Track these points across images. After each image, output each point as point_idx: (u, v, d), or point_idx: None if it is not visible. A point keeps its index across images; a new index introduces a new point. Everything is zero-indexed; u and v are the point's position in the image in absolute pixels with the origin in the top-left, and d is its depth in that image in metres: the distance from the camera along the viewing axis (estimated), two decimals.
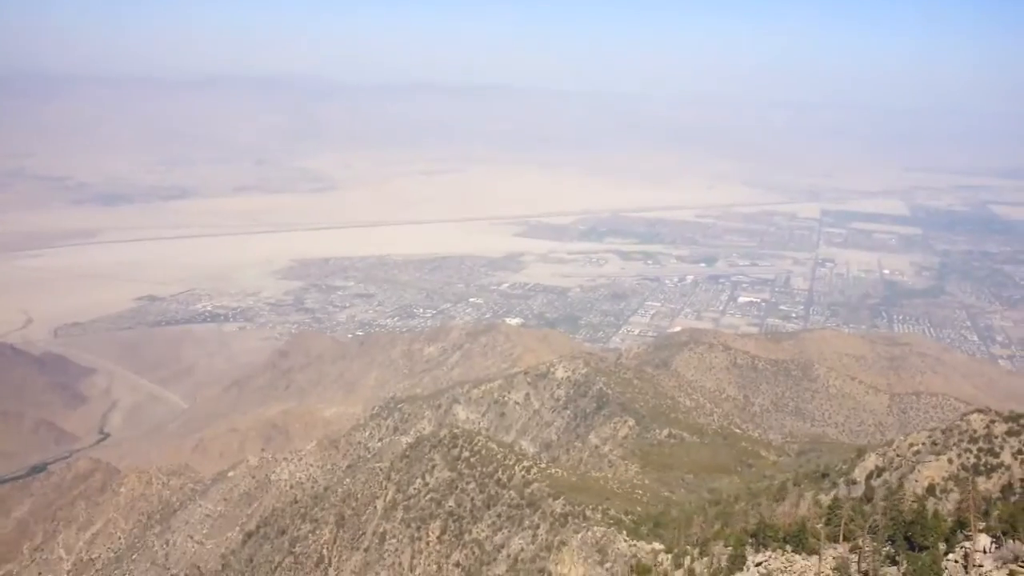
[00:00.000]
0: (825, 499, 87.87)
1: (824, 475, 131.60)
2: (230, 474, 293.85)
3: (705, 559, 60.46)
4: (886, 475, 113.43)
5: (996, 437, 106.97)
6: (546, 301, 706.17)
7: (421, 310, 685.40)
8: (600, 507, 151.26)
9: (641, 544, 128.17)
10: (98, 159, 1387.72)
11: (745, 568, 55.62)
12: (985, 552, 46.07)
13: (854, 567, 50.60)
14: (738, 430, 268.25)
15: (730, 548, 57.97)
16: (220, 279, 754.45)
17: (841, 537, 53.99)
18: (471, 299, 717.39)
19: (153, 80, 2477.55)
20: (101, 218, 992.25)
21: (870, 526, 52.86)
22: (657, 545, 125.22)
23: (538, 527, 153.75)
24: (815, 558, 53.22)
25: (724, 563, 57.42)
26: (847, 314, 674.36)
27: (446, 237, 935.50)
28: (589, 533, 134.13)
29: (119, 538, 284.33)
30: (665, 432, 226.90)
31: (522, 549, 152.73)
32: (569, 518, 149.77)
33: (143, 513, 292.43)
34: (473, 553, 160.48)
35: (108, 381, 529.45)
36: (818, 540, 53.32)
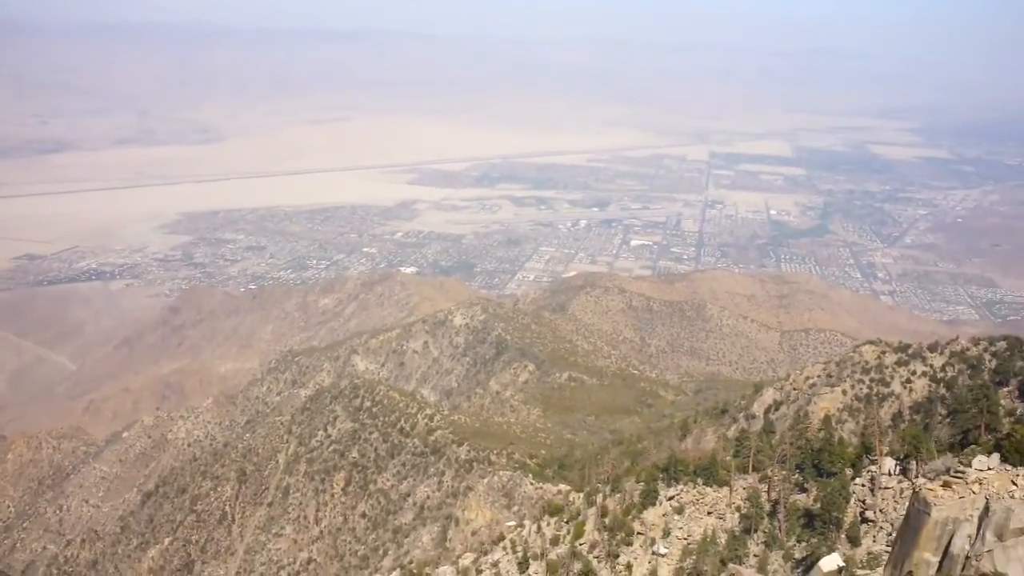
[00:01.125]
0: (727, 433, 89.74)
1: (724, 411, 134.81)
2: (124, 435, 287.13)
3: (617, 495, 61.29)
4: (783, 408, 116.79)
5: (887, 367, 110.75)
6: (440, 249, 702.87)
7: (314, 261, 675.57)
8: (504, 451, 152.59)
9: (547, 486, 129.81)
10: None
11: (658, 502, 56.52)
12: (890, 474, 47.67)
13: (764, 496, 51.80)
14: (636, 371, 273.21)
15: (642, 484, 58.81)
16: (104, 235, 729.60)
17: (750, 468, 55.13)
18: (365, 249, 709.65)
19: (24, 27, 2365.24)
20: None
21: (778, 456, 54.08)
22: (563, 487, 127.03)
23: (443, 474, 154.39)
24: (726, 489, 54.31)
25: (637, 498, 58.27)
26: (736, 254, 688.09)
27: (337, 186, 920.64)
28: (495, 478, 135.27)
29: (8, 507, 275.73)
30: (565, 375, 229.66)
31: (428, 496, 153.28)
32: (474, 464, 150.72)
33: (33, 479, 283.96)
34: (379, 503, 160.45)
35: None
36: (728, 472, 54.37)
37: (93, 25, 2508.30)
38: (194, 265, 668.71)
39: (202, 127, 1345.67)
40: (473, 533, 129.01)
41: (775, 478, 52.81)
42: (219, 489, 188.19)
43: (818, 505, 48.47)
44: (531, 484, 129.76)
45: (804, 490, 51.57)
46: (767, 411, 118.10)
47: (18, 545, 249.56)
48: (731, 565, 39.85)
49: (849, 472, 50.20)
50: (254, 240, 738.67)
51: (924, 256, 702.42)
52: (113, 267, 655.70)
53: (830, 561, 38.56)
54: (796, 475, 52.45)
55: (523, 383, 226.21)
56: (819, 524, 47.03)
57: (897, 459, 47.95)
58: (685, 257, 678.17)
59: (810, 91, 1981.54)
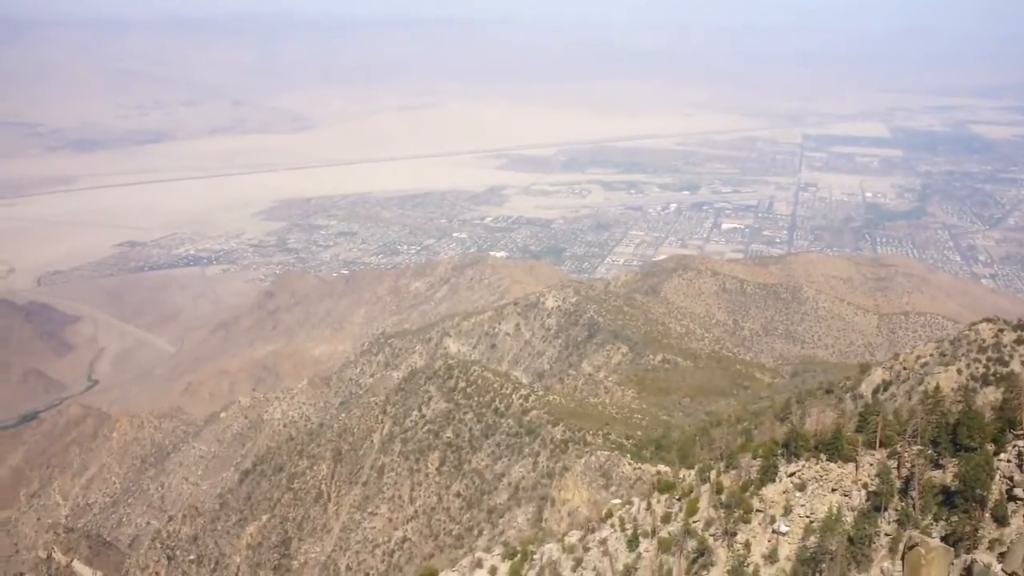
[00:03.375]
0: (845, 409, 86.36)
1: (828, 391, 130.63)
2: (222, 415, 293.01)
3: (732, 472, 58.97)
4: (893, 388, 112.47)
5: (1005, 346, 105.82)
6: (530, 234, 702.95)
7: (405, 246, 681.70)
8: (600, 432, 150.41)
9: (646, 467, 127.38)
10: (69, 104, 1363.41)
11: (777, 479, 54.06)
12: None
13: (894, 472, 49.10)
14: (730, 354, 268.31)
15: (760, 459, 56.40)
16: (201, 222, 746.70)
17: (877, 443, 52.33)
18: (455, 234, 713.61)
19: (119, 22, 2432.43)
20: (76, 164, 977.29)
21: (911, 430, 51.19)
22: (663, 467, 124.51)
23: (538, 454, 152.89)
24: (851, 465, 51.65)
25: (755, 475, 55.88)
26: (831, 238, 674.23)
27: (426, 173, 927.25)
28: (592, 458, 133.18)
29: (114, 482, 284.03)
30: (659, 358, 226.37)
31: (523, 477, 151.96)
32: (570, 444, 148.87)
33: (136, 457, 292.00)
34: (473, 483, 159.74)
35: (94, 328, 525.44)
36: (854, 447, 51.70)
37: (186, 19, 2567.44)
38: (288, 250, 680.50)
39: (293, 116, 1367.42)
40: (570, 513, 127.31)
41: (906, 453, 49.89)
42: (315, 468, 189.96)
43: (957, 482, 45.57)
44: (629, 464, 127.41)
45: (939, 466, 48.54)
46: (876, 391, 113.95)
47: (124, 519, 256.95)
48: (915, 534, 37.28)
49: (991, 448, 47.13)
50: (346, 226, 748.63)
51: None
52: (210, 253, 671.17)
53: None
54: (930, 450, 49.53)
55: (616, 365, 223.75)
56: (960, 502, 44.16)
57: None
58: (777, 240, 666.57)
59: (907, 71, 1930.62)
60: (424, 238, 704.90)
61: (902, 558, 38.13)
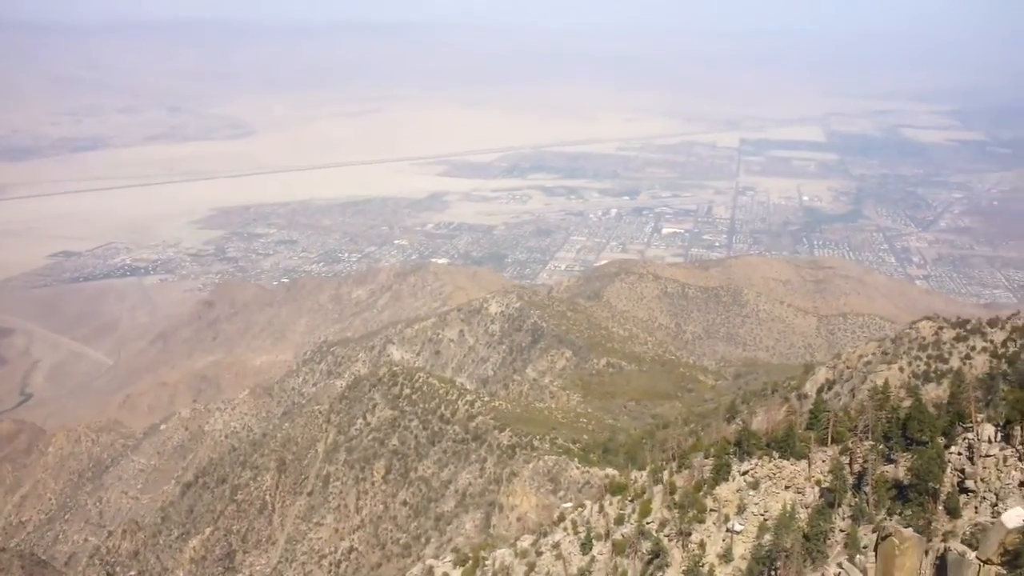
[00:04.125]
0: (776, 415, 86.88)
1: (772, 391, 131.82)
2: (162, 427, 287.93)
3: (685, 472, 58.80)
4: (837, 387, 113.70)
5: (945, 343, 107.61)
6: (472, 240, 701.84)
7: (346, 254, 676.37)
8: (547, 437, 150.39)
9: (594, 470, 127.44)
10: (0, 111, 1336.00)
11: (731, 478, 53.97)
12: (991, 441, 44.85)
13: (847, 468, 49.22)
14: (673, 357, 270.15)
15: (712, 459, 56.27)
16: (138, 231, 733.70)
17: (829, 440, 52.47)
18: (396, 241, 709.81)
19: (55, 25, 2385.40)
20: (7, 173, 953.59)
21: (862, 426, 51.39)
22: (610, 470, 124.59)
23: (485, 460, 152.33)
24: (804, 462, 51.71)
25: (708, 474, 55.73)
26: (769, 241, 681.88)
27: (368, 179, 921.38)
28: (540, 463, 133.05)
29: (49, 499, 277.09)
30: (603, 362, 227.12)
31: (470, 483, 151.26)
32: (517, 449, 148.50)
33: (73, 472, 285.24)
34: (420, 490, 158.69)
35: (27, 341, 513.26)
36: (807, 444, 51.74)
37: (122, 22, 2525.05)
38: (227, 259, 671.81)
39: (232, 122, 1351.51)
40: (519, 519, 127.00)
41: (858, 449, 50.08)
42: (259, 479, 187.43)
43: (910, 476, 45.77)
44: (577, 468, 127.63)
45: (891, 461, 48.79)
46: (820, 390, 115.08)
47: (60, 537, 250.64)
48: (891, 524, 37.13)
49: (942, 441, 47.42)
50: (286, 234, 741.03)
51: (960, 240, 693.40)
52: (147, 263, 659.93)
53: (1015, 516, 35.63)
54: (881, 446, 49.75)
55: (561, 370, 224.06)
56: (914, 495, 44.35)
57: (997, 425, 45.24)
58: (717, 244, 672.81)
59: (842, 75, 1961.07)
60: (365, 245, 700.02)
61: (875, 549, 38.02)
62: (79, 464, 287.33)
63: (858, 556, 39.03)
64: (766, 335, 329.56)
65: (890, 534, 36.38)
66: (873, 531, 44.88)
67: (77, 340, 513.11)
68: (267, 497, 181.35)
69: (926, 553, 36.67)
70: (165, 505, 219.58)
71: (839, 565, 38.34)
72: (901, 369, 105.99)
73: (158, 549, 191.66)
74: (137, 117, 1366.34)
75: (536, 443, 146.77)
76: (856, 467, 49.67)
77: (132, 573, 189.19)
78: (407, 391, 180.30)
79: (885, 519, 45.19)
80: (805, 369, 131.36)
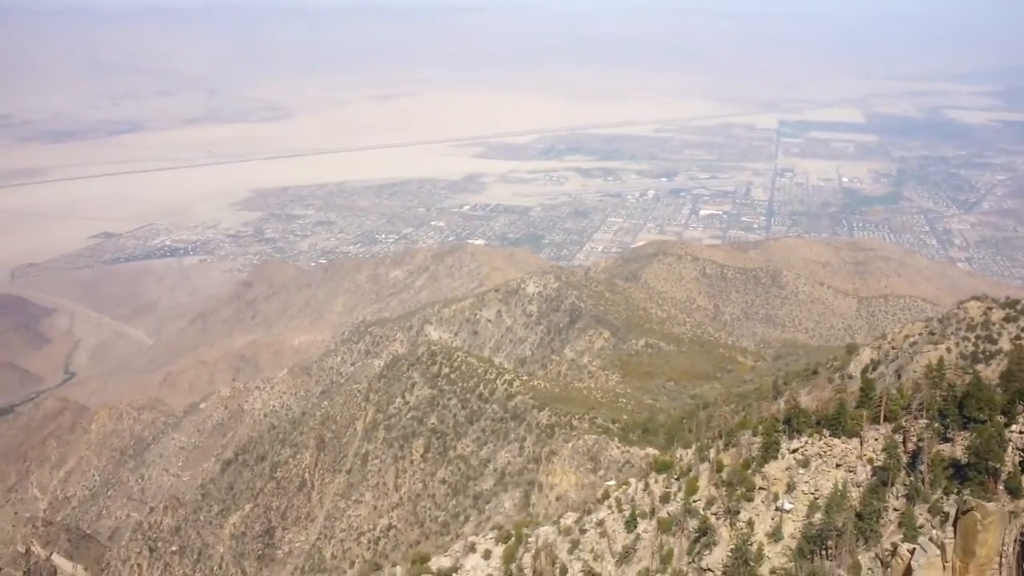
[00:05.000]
0: (825, 393, 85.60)
1: (815, 372, 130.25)
2: (202, 406, 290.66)
3: (732, 450, 58.02)
4: (882, 368, 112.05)
5: (994, 324, 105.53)
6: (508, 221, 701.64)
7: (383, 235, 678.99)
8: (586, 416, 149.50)
9: (634, 450, 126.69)
10: (40, 95, 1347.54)
11: (780, 456, 53.14)
12: None
13: (901, 448, 48.28)
14: (711, 338, 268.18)
15: (761, 436, 55.44)
16: (177, 213, 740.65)
17: (881, 418, 51.48)
18: (433, 222, 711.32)
19: (91, 11, 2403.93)
20: (49, 155, 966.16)
21: (917, 404, 50.34)
22: (651, 450, 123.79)
23: (524, 439, 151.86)
24: (856, 441, 50.79)
25: (756, 452, 54.91)
26: (808, 223, 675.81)
27: (404, 161, 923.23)
28: (580, 442, 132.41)
29: (93, 475, 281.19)
30: (641, 342, 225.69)
31: (509, 462, 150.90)
32: (556, 429, 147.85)
33: (115, 449, 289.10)
34: (459, 469, 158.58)
35: (70, 320, 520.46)
36: (859, 422, 50.78)
37: (159, 7, 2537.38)
38: (265, 240, 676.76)
39: (269, 105, 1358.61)
40: (558, 498, 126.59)
41: (913, 427, 49.06)
42: (298, 456, 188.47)
43: (968, 455, 44.74)
44: (617, 448, 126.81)
45: (948, 439, 47.72)
46: (864, 371, 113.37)
47: (104, 512, 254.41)
48: (970, 498, 36.13)
49: (1001, 419, 46.31)
50: (323, 215, 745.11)
51: (1003, 222, 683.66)
52: (187, 244, 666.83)
53: None
54: (937, 424, 48.68)
55: (599, 350, 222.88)
56: (973, 474, 43.32)
57: None
58: (755, 226, 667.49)
59: (883, 57, 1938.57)
60: (402, 227, 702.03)
61: (954, 524, 37.09)
62: (121, 441, 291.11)
63: (935, 531, 38.09)
64: (806, 317, 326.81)
65: (972, 508, 35.36)
66: (929, 510, 44.03)
67: (118, 320, 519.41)
68: (306, 475, 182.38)
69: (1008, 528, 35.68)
70: (205, 482, 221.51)
71: (917, 541, 37.38)
72: (948, 350, 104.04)
73: (199, 525, 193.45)
74: (175, 100, 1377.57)
75: (575, 422, 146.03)
76: (910, 446, 48.67)
77: (174, 548, 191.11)
78: (446, 370, 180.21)
79: (942, 498, 44.25)
80: (848, 349, 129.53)
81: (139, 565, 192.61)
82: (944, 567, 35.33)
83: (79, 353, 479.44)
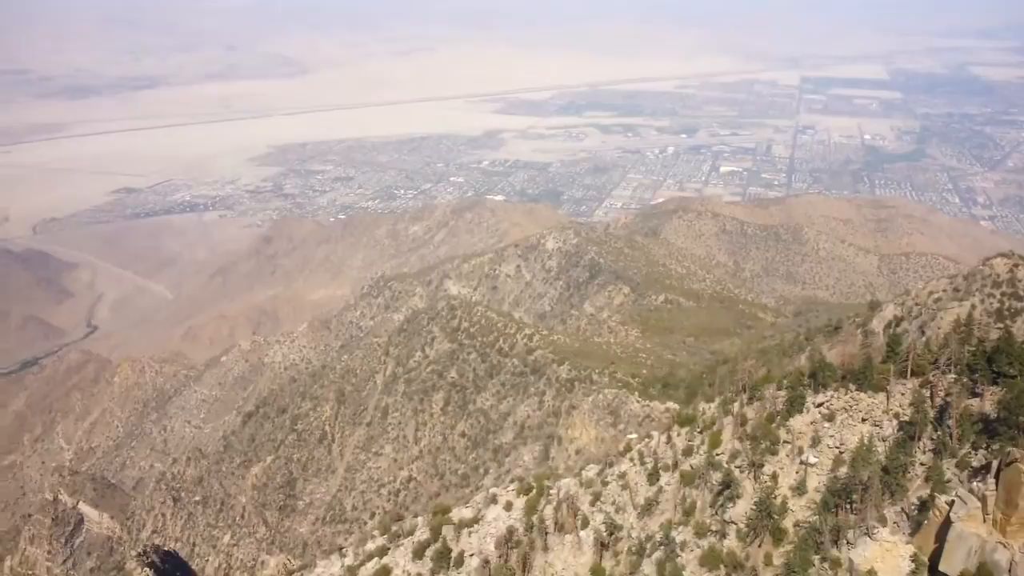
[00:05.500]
0: (851, 347, 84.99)
1: (837, 328, 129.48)
2: (223, 359, 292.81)
3: (757, 404, 57.80)
4: (905, 324, 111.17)
5: (1020, 281, 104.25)
6: (527, 177, 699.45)
7: (402, 191, 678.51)
8: (606, 371, 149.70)
9: (654, 404, 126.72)
10: (59, 51, 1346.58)
11: (805, 410, 52.90)
12: None
13: (928, 402, 47.93)
14: (731, 294, 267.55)
15: (785, 390, 55.20)
16: (197, 168, 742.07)
17: (909, 372, 51.08)
18: (452, 178, 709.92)
19: None
20: (69, 111, 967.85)
21: (946, 358, 49.92)
22: (671, 404, 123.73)
23: (544, 393, 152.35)
24: (882, 395, 50.45)
25: (781, 406, 54.71)
26: (829, 180, 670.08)
27: (422, 117, 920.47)
28: (600, 396, 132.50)
29: (117, 426, 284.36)
30: (661, 298, 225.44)
31: (529, 416, 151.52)
32: (575, 383, 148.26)
33: (138, 401, 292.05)
34: (478, 422, 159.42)
35: (92, 275, 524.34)
36: (886, 377, 50.41)
37: None
38: (284, 196, 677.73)
39: (287, 61, 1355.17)
40: (577, 451, 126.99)
41: (941, 382, 48.63)
42: (318, 409, 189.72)
43: (998, 409, 44.36)
44: (637, 402, 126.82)
45: (977, 395, 47.29)
46: (887, 327, 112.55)
47: (128, 463, 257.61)
48: (1014, 450, 35.71)
49: None
50: (342, 171, 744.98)
51: None
52: (206, 199, 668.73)
53: None
54: (965, 379, 48.22)
55: (618, 305, 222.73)
56: (1003, 429, 42.96)
57: None
58: (776, 183, 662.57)
59: (908, 12, 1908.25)
60: (421, 182, 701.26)
61: (996, 476, 36.77)
62: (144, 394, 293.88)
63: (975, 483, 37.77)
64: (826, 274, 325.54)
65: (1016, 459, 34.92)
66: (957, 465, 43.71)
67: (139, 274, 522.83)
68: (327, 427, 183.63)
69: None
70: (227, 434, 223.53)
71: (956, 494, 37.09)
72: (973, 307, 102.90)
73: (221, 476, 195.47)
74: (194, 56, 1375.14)
75: (595, 377, 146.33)
76: (938, 401, 48.25)
77: (197, 498, 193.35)
78: (465, 324, 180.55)
79: (970, 453, 43.94)
80: (871, 306, 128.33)
81: (163, 515, 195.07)
82: (984, 519, 34.97)
83: (101, 307, 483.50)
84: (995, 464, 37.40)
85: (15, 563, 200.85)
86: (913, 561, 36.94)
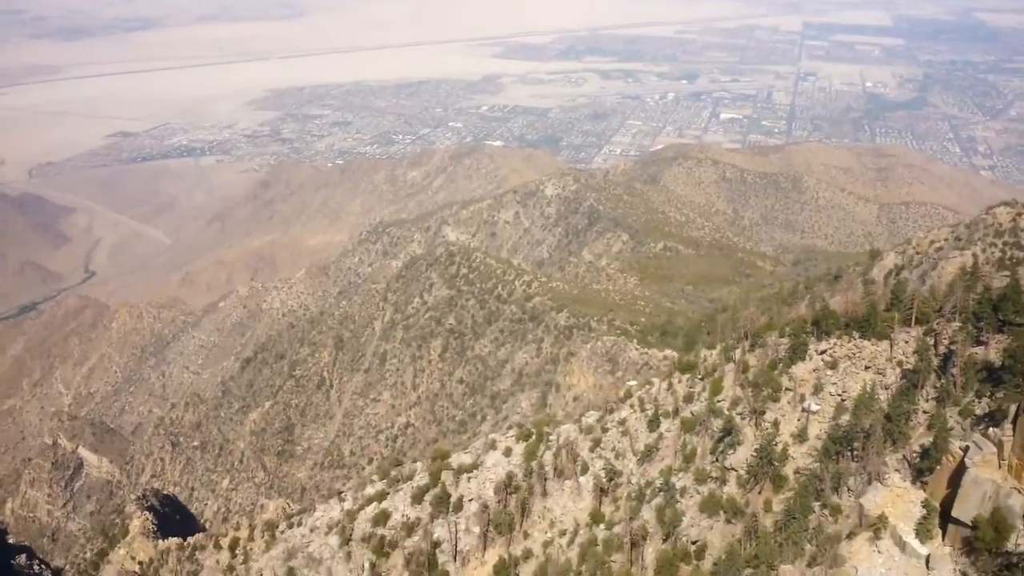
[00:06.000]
0: (854, 295, 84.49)
1: (837, 277, 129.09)
2: (220, 305, 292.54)
3: (758, 351, 57.35)
4: (906, 273, 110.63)
5: (1023, 230, 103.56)
6: (526, 123, 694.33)
7: (400, 136, 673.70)
8: (605, 318, 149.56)
9: (653, 352, 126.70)
10: None
11: (807, 357, 52.55)
12: None
13: (932, 350, 47.51)
14: (730, 243, 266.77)
15: (788, 338, 54.73)
16: (193, 112, 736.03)
17: (913, 320, 50.61)
18: (450, 123, 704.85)
19: None
20: (63, 53, 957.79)
21: (951, 306, 49.40)
22: (669, 352, 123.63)
23: (542, 340, 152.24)
24: (885, 343, 50.03)
25: (783, 353, 54.29)
26: (830, 128, 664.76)
27: (420, 61, 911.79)
28: (598, 343, 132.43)
29: (115, 372, 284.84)
30: (660, 245, 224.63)
31: (527, 363, 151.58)
32: (574, 330, 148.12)
33: (136, 347, 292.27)
34: (476, 369, 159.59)
35: (89, 220, 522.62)
36: (890, 324, 49.92)
37: None
38: (282, 140, 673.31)
39: (283, 2, 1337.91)
40: (575, 398, 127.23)
41: (945, 330, 48.21)
42: (316, 355, 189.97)
43: (1004, 358, 43.97)
44: (636, 349, 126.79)
45: (981, 343, 46.89)
46: (888, 276, 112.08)
47: (126, 408, 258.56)
48: None
49: None
50: (340, 115, 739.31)
51: None
52: (203, 143, 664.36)
53: None
54: (970, 326, 47.74)
55: (617, 253, 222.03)
56: (1008, 377, 42.62)
57: None
58: (776, 131, 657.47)
59: None
60: (419, 127, 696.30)
61: (1013, 422, 36.48)
62: (142, 339, 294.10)
63: (992, 429, 37.49)
64: (825, 222, 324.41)
65: None
66: (960, 413, 43.46)
67: (136, 219, 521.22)
68: (325, 373, 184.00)
69: None
70: (225, 379, 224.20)
71: (972, 440, 36.78)
72: (975, 256, 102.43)
73: (219, 421, 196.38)
74: None
75: (594, 324, 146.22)
76: (942, 349, 47.94)
77: (195, 443, 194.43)
78: (464, 271, 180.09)
79: (974, 401, 43.66)
80: (871, 255, 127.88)
81: (162, 459, 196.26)
82: (1000, 465, 34.79)
83: (98, 252, 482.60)
84: (1013, 410, 37.07)
85: (16, 505, 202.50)
86: (924, 507, 36.79)
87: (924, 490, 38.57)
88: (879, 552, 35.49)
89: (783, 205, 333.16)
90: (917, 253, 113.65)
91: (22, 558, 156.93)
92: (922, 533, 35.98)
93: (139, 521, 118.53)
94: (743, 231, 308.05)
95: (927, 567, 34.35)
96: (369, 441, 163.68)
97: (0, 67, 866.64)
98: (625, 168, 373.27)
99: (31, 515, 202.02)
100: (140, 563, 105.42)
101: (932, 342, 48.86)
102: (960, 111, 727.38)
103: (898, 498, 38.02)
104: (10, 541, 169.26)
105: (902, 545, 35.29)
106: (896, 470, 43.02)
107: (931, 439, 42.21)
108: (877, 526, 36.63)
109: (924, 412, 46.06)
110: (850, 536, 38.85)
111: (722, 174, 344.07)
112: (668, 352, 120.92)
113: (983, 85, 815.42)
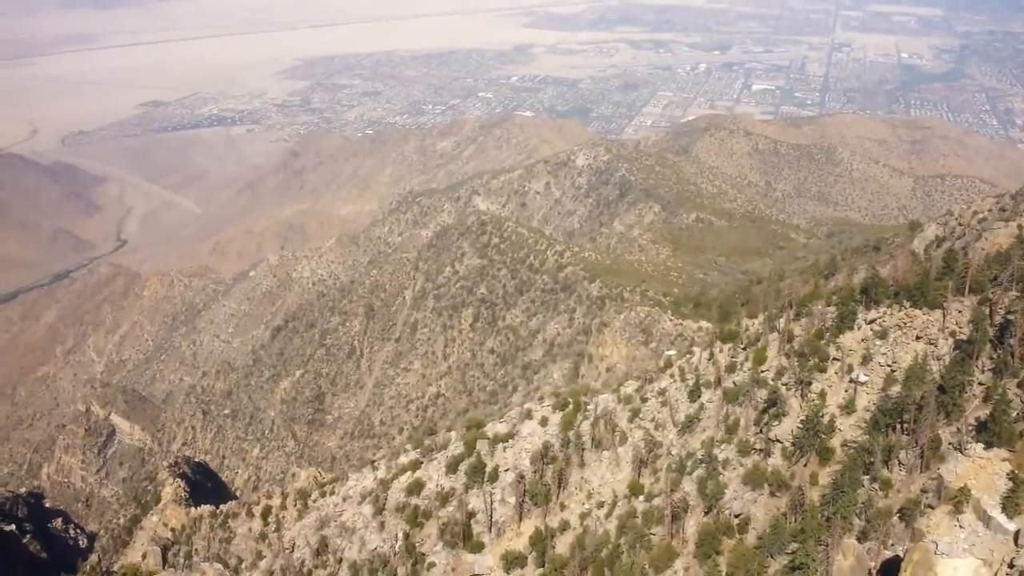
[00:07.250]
0: (905, 263, 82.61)
1: (876, 248, 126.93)
2: (251, 274, 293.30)
3: (804, 320, 55.85)
4: (947, 244, 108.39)
5: None
6: (557, 93, 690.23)
7: (430, 106, 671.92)
8: (638, 289, 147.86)
9: (687, 323, 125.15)
10: None
11: (856, 326, 51.08)
12: None
13: (987, 320, 45.98)
14: (763, 214, 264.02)
15: (835, 307, 53.26)
16: (224, 81, 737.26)
17: (967, 289, 49.03)
18: (480, 93, 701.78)
19: None
20: (95, 22, 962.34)
21: (1009, 275, 47.77)
22: (704, 323, 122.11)
23: (574, 311, 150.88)
24: (938, 312, 48.49)
25: (830, 322, 52.85)
26: (864, 100, 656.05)
27: (451, 30, 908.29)
28: (632, 314, 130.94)
29: (146, 339, 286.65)
30: (692, 216, 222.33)
31: (559, 333, 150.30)
32: (607, 300, 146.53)
33: (167, 315, 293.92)
34: (508, 339, 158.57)
35: (120, 189, 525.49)
36: (943, 293, 48.37)
37: None
38: (312, 110, 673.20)
39: None
40: (608, 369, 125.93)
41: (1002, 299, 46.59)
42: (347, 324, 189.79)
43: None
44: (670, 320, 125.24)
45: None
46: (928, 248, 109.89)
47: (158, 376, 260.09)
48: None
49: None
50: (370, 85, 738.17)
51: None
52: (234, 113, 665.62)
53: None
54: None
55: (649, 224, 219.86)
56: None
57: None
58: (809, 102, 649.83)
59: None
60: (449, 98, 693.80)
61: None
62: (173, 307, 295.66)
63: (980, 412, 36.13)
64: (859, 195, 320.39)
65: None
66: (1019, 384, 41.93)
67: (167, 188, 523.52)
68: (355, 342, 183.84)
69: None
70: (256, 348, 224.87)
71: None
72: (1020, 227, 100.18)
73: (250, 390, 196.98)
74: None
75: (626, 295, 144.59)
76: (997, 319, 46.36)
77: (226, 411, 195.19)
78: (495, 240, 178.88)
79: None
80: (912, 226, 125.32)
81: (193, 427, 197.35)
82: None
83: (130, 221, 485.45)
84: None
85: (52, 471, 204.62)
86: (1011, 479, 35.34)
87: (1010, 461, 37.07)
88: (960, 527, 33.98)
89: (816, 177, 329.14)
90: (960, 224, 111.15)
91: (58, 522, 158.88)
92: (1009, 507, 34.25)
93: (171, 488, 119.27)
94: (776, 203, 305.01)
95: (1015, 543, 32.79)
96: (399, 411, 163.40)
97: (32, 37, 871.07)
98: (656, 139, 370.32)
99: (66, 480, 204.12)
100: (173, 530, 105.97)
101: (988, 311, 47.20)
102: (998, 82, 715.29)
103: (981, 469, 36.61)
104: (47, 505, 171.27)
105: (986, 520, 33.69)
106: (950, 443, 41.75)
107: (988, 411, 40.80)
108: (958, 499, 35.15)
109: (980, 384, 44.56)
110: (926, 510, 37.53)
111: (754, 145, 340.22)
112: (703, 323, 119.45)
113: (1022, 56, 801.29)
